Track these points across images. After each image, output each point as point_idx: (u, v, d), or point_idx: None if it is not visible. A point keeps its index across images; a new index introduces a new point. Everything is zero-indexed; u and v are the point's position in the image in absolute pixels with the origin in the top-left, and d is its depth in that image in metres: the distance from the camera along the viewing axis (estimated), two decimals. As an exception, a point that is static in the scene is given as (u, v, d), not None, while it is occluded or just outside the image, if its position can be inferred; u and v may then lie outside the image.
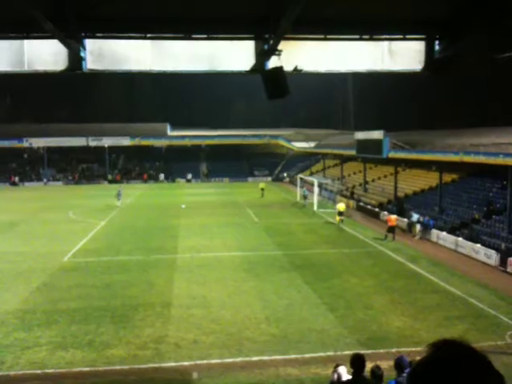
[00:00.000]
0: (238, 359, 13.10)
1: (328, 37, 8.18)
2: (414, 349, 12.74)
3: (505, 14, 6.98)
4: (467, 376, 1.33)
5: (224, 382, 12.26)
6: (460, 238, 27.34)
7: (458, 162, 31.98)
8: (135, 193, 58.33)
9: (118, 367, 12.87)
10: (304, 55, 8.27)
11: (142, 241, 29.40)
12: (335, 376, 7.91)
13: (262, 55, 7.99)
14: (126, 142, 77.85)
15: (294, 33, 7.81)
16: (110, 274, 21.93)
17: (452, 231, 29.06)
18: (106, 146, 76.05)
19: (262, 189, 53.28)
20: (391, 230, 29.72)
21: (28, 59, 7.96)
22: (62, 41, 7.27)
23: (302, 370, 12.66)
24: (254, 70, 8.18)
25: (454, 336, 1.46)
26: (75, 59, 7.85)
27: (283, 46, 7.77)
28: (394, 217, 30.75)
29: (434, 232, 29.91)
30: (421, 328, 15.32)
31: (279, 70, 7.77)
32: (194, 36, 7.92)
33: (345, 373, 7.76)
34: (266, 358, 13.37)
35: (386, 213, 36.10)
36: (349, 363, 7.21)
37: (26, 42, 7.86)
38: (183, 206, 44.32)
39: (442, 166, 34.78)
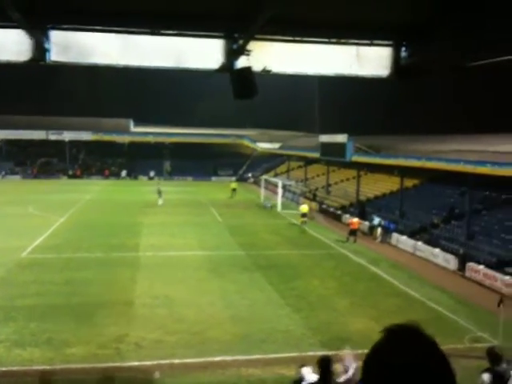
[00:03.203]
0: (201, 359, 13.01)
1: (297, 39, 8.18)
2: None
3: (472, 22, 7.12)
4: (414, 358, 1.42)
5: (186, 381, 12.18)
6: (419, 242, 27.90)
7: (420, 167, 32.62)
8: (95, 189, 57.36)
9: (78, 365, 12.62)
10: (273, 56, 8.24)
11: (103, 238, 28.93)
12: (299, 376, 7.93)
13: (231, 54, 7.93)
14: (87, 136, 76.30)
15: (264, 33, 7.76)
16: (69, 271, 21.50)
17: (412, 235, 29.63)
18: (67, 140, 74.55)
19: (234, 189, 52.40)
20: (353, 232, 30.30)
21: (-10, 49, 7.69)
22: (27, 31, 7.06)
23: (265, 370, 12.67)
24: (222, 68, 8.11)
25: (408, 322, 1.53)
26: (39, 50, 7.62)
27: (252, 46, 7.72)
28: (356, 220, 31.38)
29: (395, 235, 30.44)
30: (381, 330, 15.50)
31: (248, 70, 7.72)
32: (162, 32, 7.81)
33: (308, 373, 7.78)
34: (228, 358, 13.31)
35: (348, 216, 36.51)
36: (316, 364, 7.23)
37: (-10, 32, 7.59)
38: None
39: (403, 171, 35.42)
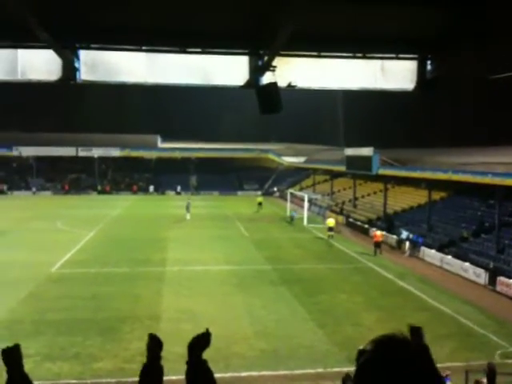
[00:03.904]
0: (227, 374, 12.98)
1: (322, 54, 8.22)
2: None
3: (495, 34, 7.08)
4: (404, 368, 1.46)
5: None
6: (449, 256, 27.46)
7: (446, 180, 32.25)
8: (124, 204, 58.05)
9: (104, 380, 12.72)
10: (298, 72, 8.30)
11: (131, 252, 29.22)
12: None
13: (257, 71, 8.02)
14: (115, 152, 77.63)
15: (289, 49, 7.83)
16: (97, 286, 21.75)
17: (440, 249, 29.18)
18: (96, 156, 75.79)
19: (260, 203, 52.82)
20: (377, 245, 30.31)
21: (21, 68, 7.92)
22: (57, 51, 7.25)
23: (291, 386, 12.59)
24: (248, 85, 8.20)
25: (397, 331, 1.58)
26: (69, 69, 7.81)
27: (277, 61, 7.79)
28: (379, 233, 31.36)
29: (423, 249, 30.03)
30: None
31: (273, 85, 7.79)
32: (188, 50, 7.94)
33: None
34: (254, 373, 13.29)
35: (374, 229, 36.21)
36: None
37: (20, 51, 7.83)
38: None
39: (430, 184, 35.03)
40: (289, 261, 27.93)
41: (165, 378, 10.86)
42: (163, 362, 11.28)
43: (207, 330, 2.86)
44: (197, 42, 7.81)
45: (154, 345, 3.07)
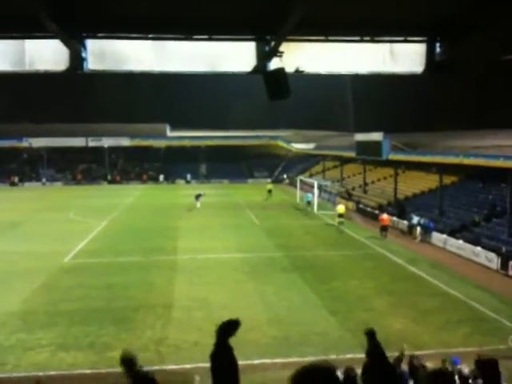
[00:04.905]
0: (240, 362, 13.00)
1: (329, 38, 8.13)
2: (417, 352, 12.65)
3: (506, 15, 6.95)
4: None
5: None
6: (460, 241, 27.29)
7: (458, 164, 32.00)
8: (135, 193, 58.25)
9: (119, 369, 12.81)
10: (305, 56, 8.22)
11: (142, 242, 29.35)
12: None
13: (264, 56, 7.95)
14: (125, 142, 77.86)
15: (296, 34, 7.75)
16: (110, 275, 21.89)
17: (452, 234, 29.02)
18: (106, 146, 76.04)
19: (270, 190, 52.98)
20: (384, 228, 30.64)
21: (29, 59, 7.90)
22: (64, 41, 7.23)
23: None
24: (255, 71, 8.13)
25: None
26: (76, 59, 7.79)
27: (285, 47, 7.72)
28: (386, 216, 31.52)
29: (435, 234, 29.88)
30: (422, 331, 15.27)
31: (281, 71, 7.73)
32: (195, 37, 7.88)
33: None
34: (267, 360, 13.33)
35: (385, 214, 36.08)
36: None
37: (28, 42, 7.81)
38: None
39: (442, 168, 34.77)
40: (300, 248, 27.93)
41: (178, 366, 10.93)
42: (177, 352, 11.34)
43: (238, 319, 2.81)
44: (203, 29, 7.75)
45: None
